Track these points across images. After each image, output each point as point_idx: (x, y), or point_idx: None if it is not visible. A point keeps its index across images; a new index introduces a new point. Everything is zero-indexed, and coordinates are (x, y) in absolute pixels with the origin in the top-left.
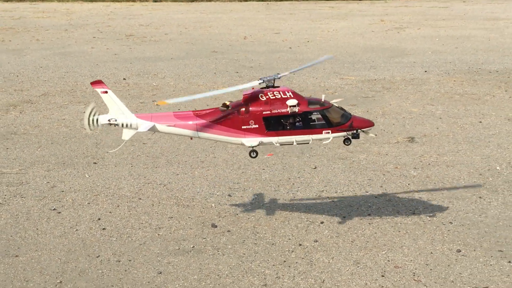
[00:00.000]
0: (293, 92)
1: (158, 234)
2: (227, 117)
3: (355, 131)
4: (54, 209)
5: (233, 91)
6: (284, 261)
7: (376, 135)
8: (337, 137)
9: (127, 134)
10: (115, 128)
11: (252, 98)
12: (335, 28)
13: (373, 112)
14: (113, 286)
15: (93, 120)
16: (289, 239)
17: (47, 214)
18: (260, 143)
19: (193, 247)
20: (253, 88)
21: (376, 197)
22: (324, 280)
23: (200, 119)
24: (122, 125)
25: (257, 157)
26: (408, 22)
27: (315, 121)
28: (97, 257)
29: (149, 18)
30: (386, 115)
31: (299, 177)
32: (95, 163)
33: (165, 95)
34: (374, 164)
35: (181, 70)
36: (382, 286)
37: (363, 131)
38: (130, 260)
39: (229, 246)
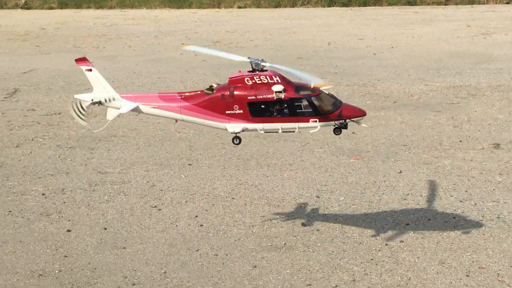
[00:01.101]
0: (281, 77)
1: (252, 232)
2: (211, 100)
3: (343, 121)
4: (155, 207)
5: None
6: (371, 259)
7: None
8: (325, 126)
9: (111, 114)
10: (202, 130)
11: (237, 81)
12: (420, 34)
13: (458, 118)
14: (212, 277)
15: (79, 110)
16: (376, 239)
17: (148, 211)
18: (244, 129)
19: (284, 244)
20: (240, 71)
21: (461, 201)
22: (410, 278)
23: (184, 102)
24: (106, 104)
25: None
26: (495, 28)
27: (302, 109)
28: (197, 250)
29: (234, 24)
30: (472, 121)
31: (384, 181)
32: (189, 164)
33: None
34: (459, 170)
35: None
36: (467, 285)
37: (353, 120)
38: (226, 254)
39: (319, 244)
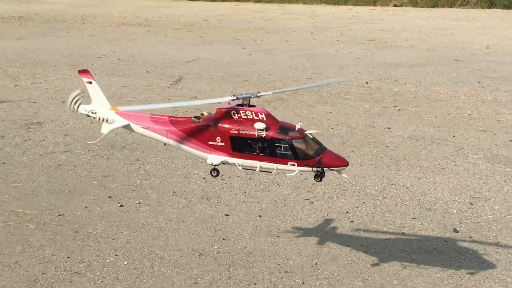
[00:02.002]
0: (267, 115)
1: (402, 232)
2: (196, 129)
3: (320, 169)
4: (307, 199)
5: (199, 104)
6: None
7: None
8: (303, 171)
9: (105, 128)
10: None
11: (223, 114)
12: None
13: None
14: (362, 273)
15: (74, 104)
16: None
17: (301, 203)
18: (224, 162)
19: (435, 248)
20: (229, 104)
21: None
22: None
23: (172, 127)
24: (100, 118)
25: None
26: None
27: (281, 150)
28: (347, 246)
29: (390, 23)
30: None
31: None
32: None
33: (406, 101)
34: None
35: (421, 77)
36: None
37: (332, 170)
38: (376, 252)
39: (470, 252)
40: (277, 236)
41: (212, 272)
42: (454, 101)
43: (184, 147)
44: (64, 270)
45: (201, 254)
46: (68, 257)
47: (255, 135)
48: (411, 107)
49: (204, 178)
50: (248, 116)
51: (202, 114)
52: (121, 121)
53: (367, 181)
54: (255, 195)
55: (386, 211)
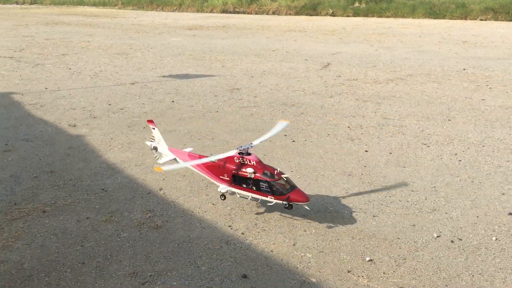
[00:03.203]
0: (257, 162)
1: (499, 170)
2: (213, 166)
3: (286, 204)
4: (425, 144)
5: (215, 159)
6: None
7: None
8: (278, 203)
9: (161, 160)
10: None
11: (230, 159)
12: None
13: None
14: (470, 195)
15: (152, 148)
16: None
17: (420, 146)
18: (228, 191)
19: None
20: (237, 148)
21: None
22: None
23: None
24: (160, 152)
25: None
26: None
27: (264, 187)
28: (457, 176)
29: (478, 31)
30: None
31: None
32: (449, 120)
33: (495, 82)
34: None
35: (506, 67)
36: None
37: (297, 204)
38: (480, 182)
39: None
40: (404, 167)
41: (358, 187)
42: None
43: (206, 176)
44: None
45: (349, 175)
46: None
47: (247, 175)
48: (500, 87)
49: (348, 127)
50: (245, 162)
51: None
52: (170, 156)
53: (469, 134)
54: (386, 140)
55: (486, 155)
